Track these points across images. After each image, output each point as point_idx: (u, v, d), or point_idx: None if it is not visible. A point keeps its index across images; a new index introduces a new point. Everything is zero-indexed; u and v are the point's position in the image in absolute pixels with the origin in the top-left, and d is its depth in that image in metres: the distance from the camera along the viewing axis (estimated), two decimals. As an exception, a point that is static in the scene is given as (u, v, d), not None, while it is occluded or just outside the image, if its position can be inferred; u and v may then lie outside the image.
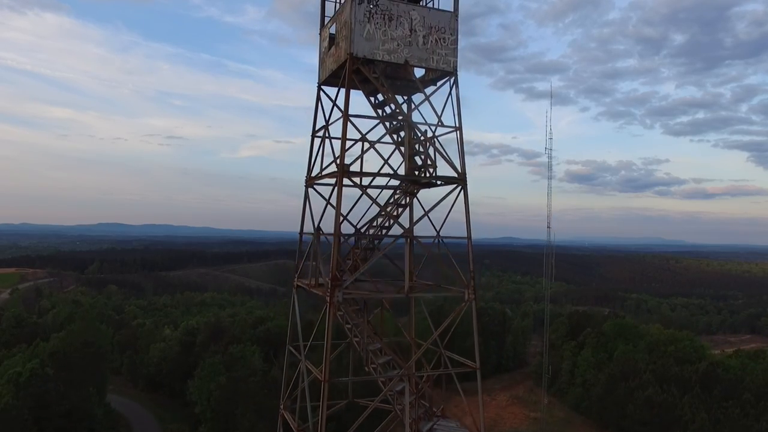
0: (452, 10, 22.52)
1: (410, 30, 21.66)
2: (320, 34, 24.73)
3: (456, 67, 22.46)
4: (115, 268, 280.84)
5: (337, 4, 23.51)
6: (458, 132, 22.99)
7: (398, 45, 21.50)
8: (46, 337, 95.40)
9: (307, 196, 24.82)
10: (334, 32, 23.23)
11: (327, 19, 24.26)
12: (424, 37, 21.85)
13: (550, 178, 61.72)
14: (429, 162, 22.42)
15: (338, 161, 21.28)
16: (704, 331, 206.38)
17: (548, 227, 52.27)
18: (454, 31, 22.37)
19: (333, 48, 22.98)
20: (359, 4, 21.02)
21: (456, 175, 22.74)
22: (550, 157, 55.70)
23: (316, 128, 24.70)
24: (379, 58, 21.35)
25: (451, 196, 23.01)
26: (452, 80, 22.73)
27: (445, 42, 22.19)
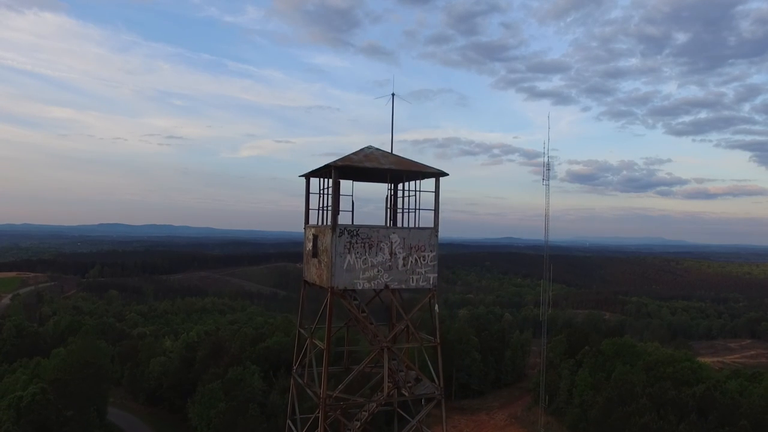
0: (432, 226, 22.45)
1: (390, 254, 21.56)
2: (304, 228, 24.38)
3: (435, 283, 22.44)
4: (116, 271, 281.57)
5: (320, 214, 23.05)
6: (438, 347, 23.14)
7: (378, 271, 21.42)
8: (47, 349, 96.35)
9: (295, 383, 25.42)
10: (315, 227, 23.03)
11: (311, 212, 23.94)
12: (404, 258, 21.79)
13: (547, 200, 61.80)
14: (409, 383, 22.62)
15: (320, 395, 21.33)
16: (704, 336, 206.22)
17: (546, 260, 52.38)
18: (434, 247, 22.28)
19: (316, 259, 22.70)
20: (339, 236, 20.71)
21: (435, 390, 23.01)
22: (547, 177, 55.83)
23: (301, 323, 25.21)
24: (360, 288, 21.38)
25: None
26: (432, 294, 22.68)
27: (425, 260, 22.14)
